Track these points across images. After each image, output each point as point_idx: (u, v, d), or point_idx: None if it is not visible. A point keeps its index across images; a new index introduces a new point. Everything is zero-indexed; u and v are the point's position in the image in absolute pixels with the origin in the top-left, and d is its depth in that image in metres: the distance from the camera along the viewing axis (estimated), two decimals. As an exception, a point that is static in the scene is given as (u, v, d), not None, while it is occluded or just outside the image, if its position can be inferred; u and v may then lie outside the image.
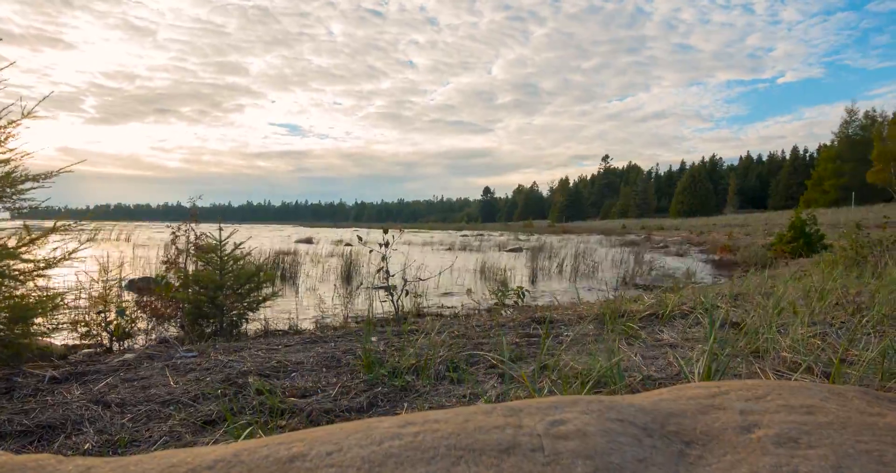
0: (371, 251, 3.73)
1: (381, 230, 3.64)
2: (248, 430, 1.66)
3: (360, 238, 3.55)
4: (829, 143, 66.89)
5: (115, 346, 3.76)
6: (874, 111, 62.44)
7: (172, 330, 4.48)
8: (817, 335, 2.73)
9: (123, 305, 4.04)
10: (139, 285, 5.78)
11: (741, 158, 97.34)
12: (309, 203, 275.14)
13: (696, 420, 0.61)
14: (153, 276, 5.76)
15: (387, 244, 3.71)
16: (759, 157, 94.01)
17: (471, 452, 0.51)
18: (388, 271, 3.75)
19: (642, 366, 2.52)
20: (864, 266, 5.84)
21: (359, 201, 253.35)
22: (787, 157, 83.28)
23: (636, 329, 3.26)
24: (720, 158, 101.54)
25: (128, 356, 2.94)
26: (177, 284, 4.49)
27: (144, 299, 4.42)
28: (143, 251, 11.16)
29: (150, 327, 4.31)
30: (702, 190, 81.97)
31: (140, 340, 4.04)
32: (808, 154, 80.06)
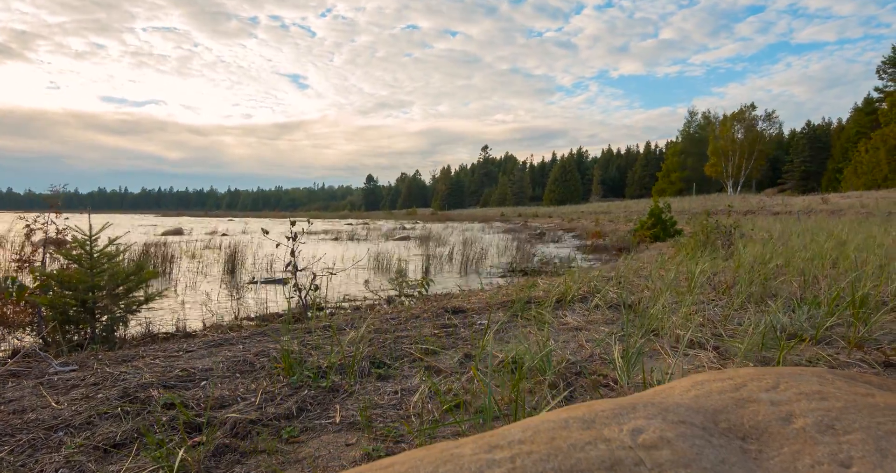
0: (278, 245, 3.49)
1: (262, 220, 3.43)
2: (180, 452, 1.48)
3: (265, 231, 3.31)
4: (674, 139, 76.01)
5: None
6: (710, 112, 71.96)
7: (28, 340, 3.85)
8: (698, 313, 3.09)
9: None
10: (-24, 289, 4.87)
11: (603, 151, 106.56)
12: (174, 190, 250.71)
13: (739, 415, 0.65)
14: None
15: (295, 237, 3.50)
16: (619, 150, 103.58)
17: (578, 473, 0.50)
18: (296, 266, 3.55)
19: (557, 350, 2.67)
20: (715, 249, 6.70)
21: (232, 189, 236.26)
22: (641, 151, 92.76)
23: (543, 315, 3.44)
24: (586, 150, 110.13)
25: (-17, 375, 2.47)
26: (32, 285, 3.85)
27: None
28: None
29: (-1, 338, 3.66)
30: (571, 180, 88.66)
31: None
32: (658, 149, 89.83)
